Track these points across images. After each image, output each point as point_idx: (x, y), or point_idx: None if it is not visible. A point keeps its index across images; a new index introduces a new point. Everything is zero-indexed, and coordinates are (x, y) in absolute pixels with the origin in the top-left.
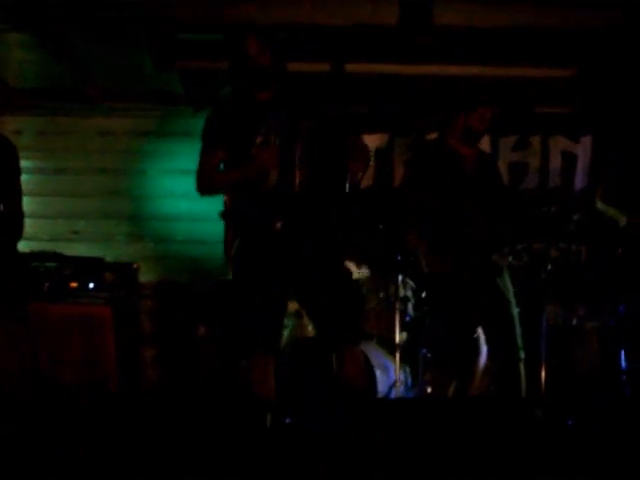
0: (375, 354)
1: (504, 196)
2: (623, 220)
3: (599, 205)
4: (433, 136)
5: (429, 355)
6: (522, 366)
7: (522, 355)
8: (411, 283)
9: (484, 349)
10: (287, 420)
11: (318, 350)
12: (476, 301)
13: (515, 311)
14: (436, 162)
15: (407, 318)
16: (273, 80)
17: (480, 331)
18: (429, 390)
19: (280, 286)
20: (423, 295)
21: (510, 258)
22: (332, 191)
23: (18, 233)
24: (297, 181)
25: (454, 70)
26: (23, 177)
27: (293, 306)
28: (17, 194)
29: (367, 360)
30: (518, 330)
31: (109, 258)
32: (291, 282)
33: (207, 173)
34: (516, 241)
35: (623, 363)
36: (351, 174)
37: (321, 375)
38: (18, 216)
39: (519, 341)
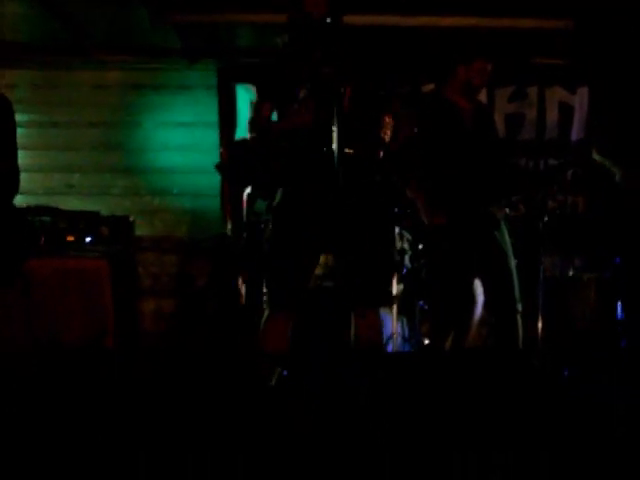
0: None
1: (501, 148)
2: (618, 172)
3: (595, 157)
4: (428, 88)
5: (426, 307)
6: (519, 318)
7: (520, 307)
8: (407, 235)
9: (480, 301)
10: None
11: (334, 306)
12: (472, 253)
13: (513, 263)
14: (434, 115)
15: (404, 270)
16: (326, 35)
17: (477, 283)
18: (426, 342)
19: (317, 241)
20: (420, 247)
21: (507, 209)
22: (369, 152)
23: (14, 189)
24: (332, 140)
25: (449, 21)
26: (18, 131)
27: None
28: (13, 150)
29: None
30: (516, 282)
31: (105, 212)
32: (329, 236)
33: (256, 123)
34: (512, 192)
35: (619, 314)
36: (396, 139)
37: (333, 331)
38: (14, 172)
39: (517, 293)
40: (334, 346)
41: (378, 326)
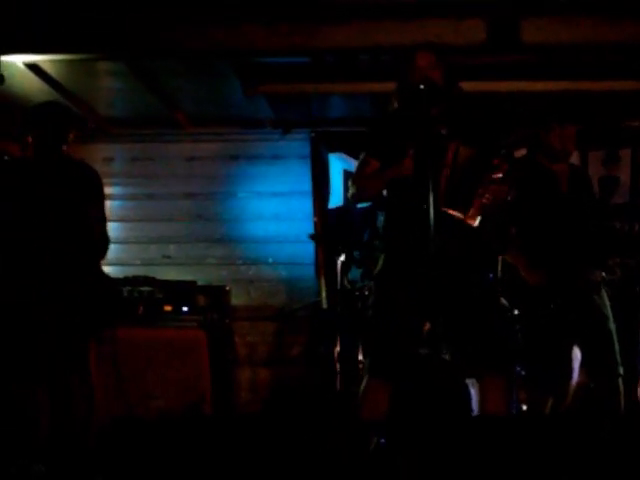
0: None
1: (598, 210)
2: None
3: None
4: (520, 153)
5: (523, 373)
6: (621, 382)
7: (621, 371)
8: (503, 300)
9: (577, 366)
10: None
11: (449, 375)
12: (572, 317)
13: (613, 326)
14: (528, 178)
15: None
16: (441, 97)
17: (575, 348)
18: (524, 408)
19: (420, 307)
20: (515, 312)
21: (603, 273)
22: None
23: (102, 253)
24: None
25: (541, 86)
26: (115, 203)
27: None
28: (101, 219)
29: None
30: (617, 345)
31: (201, 281)
32: (434, 304)
33: (359, 181)
34: (610, 256)
35: None
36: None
37: (448, 401)
38: (103, 237)
39: (618, 356)
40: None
41: (508, 394)
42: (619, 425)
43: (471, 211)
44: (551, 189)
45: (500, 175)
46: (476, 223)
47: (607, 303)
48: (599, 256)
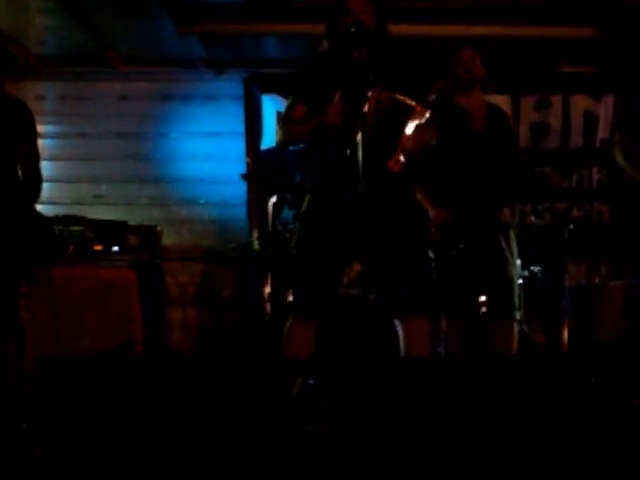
0: None
1: (515, 153)
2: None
3: (618, 159)
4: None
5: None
6: (516, 326)
7: (518, 316)
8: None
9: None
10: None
11: (374, 315)
12: (477, 255)
13: (515, 270)
14: (442, 119)
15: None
16: (371, 40)
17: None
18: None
19: (344, 248)
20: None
21: (532, 217)
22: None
23: (36, 194)
24: (358, 144)
25: (475, 31)
26: (46, 142)
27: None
28: (34, 157)
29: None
30: (516, 290)
31: (132, 222)
32: (359, 246)
33: (286, 125)
34: (527, 199)
35: None
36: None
37: (371, 340)
38: (35, 180)
39: (515, 301)
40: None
41: (429, 334)
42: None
43: (394, 158)
44: (461, 126)
45: (423, 121)
46: (400, 169)
47: (513, 246)
48: (507, 196)
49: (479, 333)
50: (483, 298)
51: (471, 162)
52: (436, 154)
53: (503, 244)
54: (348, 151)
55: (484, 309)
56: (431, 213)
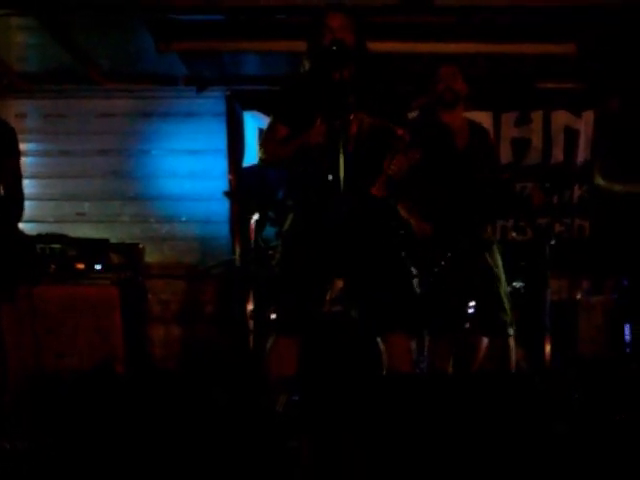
0: None
1: (497, 170)
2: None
3: (599, 182)
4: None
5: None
6: (511, 341)
7: (511, 331)
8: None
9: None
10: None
11: (356, 332)
12: (462, 273)
13: (504, 286)
14: (425, 134)
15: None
16: (352, 59)
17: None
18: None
19: (326, 266)
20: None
21: (514, 233)
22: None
23: (18, 215)
24: (340, 165)
25: (452, 48)
26: (28, 160)
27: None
28: (16, 175)
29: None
30: (507, 305)
31: (114, 239)
32: (341, 264)
33: (268, 145)
34: (513, 217)
35: (627, 337)
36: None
37: (353, 357)
38: (18, 198)
39: (507, 317)
40: (349, 372)
41: (411, 351)
42: (521, 385)
43: (377, 184)
44: (444, 144)
45: (404, 146)
46: (383, 195)
47: (499, 263)
48: (489, 213)
49: (466, 349)
50: (471, 311)
51: (455, 179)
52: (421, 171)
53: (490, 261)
54: (330, 176)
55: (469, 325)
56: (414, 227)
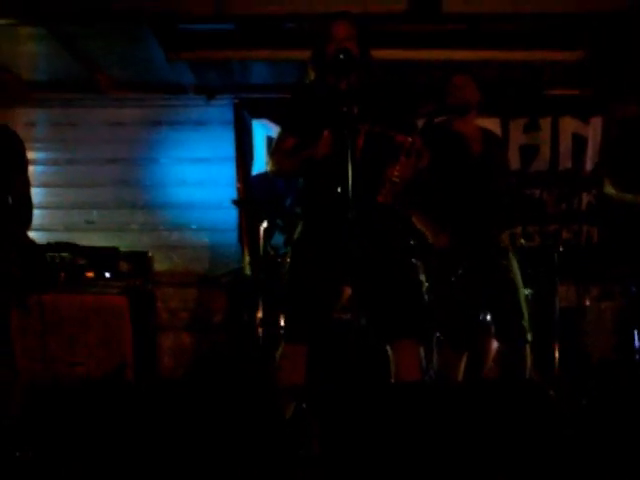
0: None
1: (509, 177)
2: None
3: (609, 190)
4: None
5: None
6: (528, 348)
7: (529, 338)
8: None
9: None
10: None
11: (365, 341)
12: (479, 282)
13: (522, 293)
14: (438, 143)
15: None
16: (357, 68)
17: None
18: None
19: (337, 273)
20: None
21: (522, 240)
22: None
23: (26, 223)
24: (348, 175)
25: (461, 55)
26: (38, 168)
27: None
28: (25, 184)
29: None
30: (525, 311)
31: (124, 248)
32: (350, 272)
33: (277, 156)
34: (521, 222)
35: (636, 343)
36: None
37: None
38: (27, 207)
39: (526, 324)
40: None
41: (420, 358)
42: (531, 391)
43: (382, 191)
44: (458, 152)
45: (412, 150)
46: (389, 201)
47: (516, 270)
48: (506, 221)
49: (476, 353)
50: (488, 318)
51: (471, 186)
52: (436, 180)
53: (507, 268)
54: (339, 188)
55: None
56: (431, 238)
